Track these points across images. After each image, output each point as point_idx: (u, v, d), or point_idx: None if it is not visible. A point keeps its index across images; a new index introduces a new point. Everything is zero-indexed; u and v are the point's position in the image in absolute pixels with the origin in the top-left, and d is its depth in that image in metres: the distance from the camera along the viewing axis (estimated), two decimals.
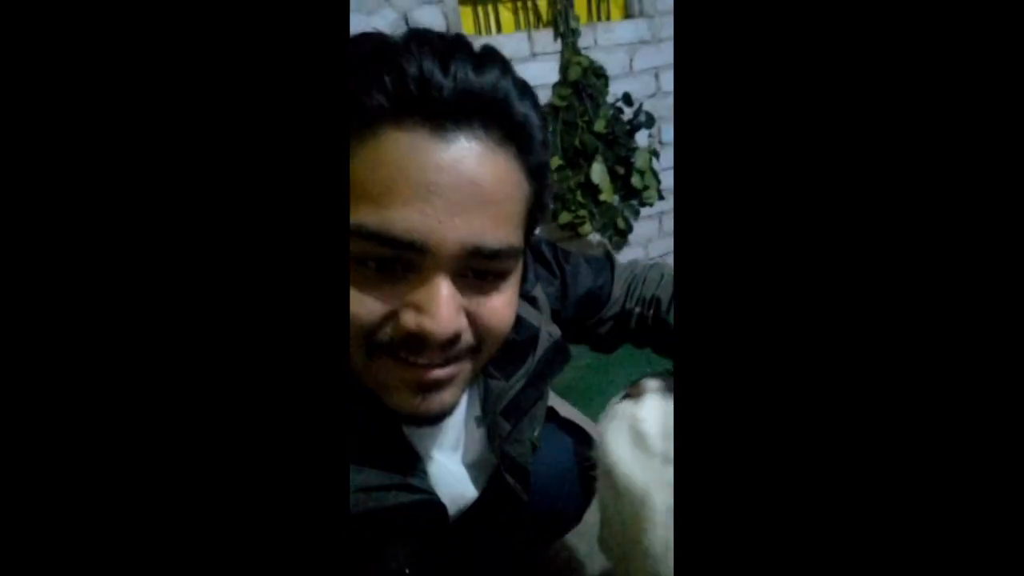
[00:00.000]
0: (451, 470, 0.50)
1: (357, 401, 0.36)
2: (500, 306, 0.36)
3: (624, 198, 1.63)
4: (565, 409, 1.28)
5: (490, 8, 1.52)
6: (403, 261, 0.31)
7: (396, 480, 0.39)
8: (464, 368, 0.37)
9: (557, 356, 0.49)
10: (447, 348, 0.34)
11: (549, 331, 0.49)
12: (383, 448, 0.38)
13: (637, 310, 0.60)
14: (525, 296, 0.48)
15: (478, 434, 0.50)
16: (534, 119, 0.34)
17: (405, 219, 0.30)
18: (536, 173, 0.36)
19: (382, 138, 0.30)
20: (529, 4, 1.56)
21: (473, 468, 0.52)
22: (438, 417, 0.37)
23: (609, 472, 0.38)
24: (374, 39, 0.32)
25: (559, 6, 1.55)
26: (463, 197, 0.31)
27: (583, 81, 1.54)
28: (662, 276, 0.62)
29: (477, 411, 0.50)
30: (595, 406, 1.27)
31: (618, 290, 0.60)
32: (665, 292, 0.60)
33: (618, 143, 1.56)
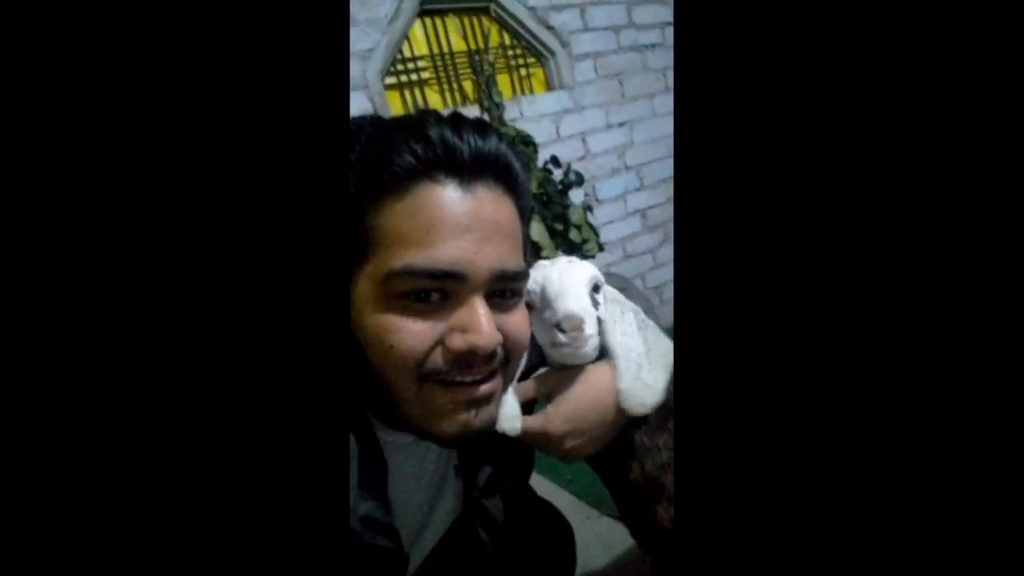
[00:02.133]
0: (421, 519, 0.49)
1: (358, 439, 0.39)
2: (520, 321, 0.42)
3: (567, 252, 1.66)
4: (533, 478, 1.23)
5: (416, 91, 1.61)
6: (443, 291, 0.37)
7: (385, 518, 0.40)
8: (499, 383, 0.41)
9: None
10: (491, 361, 0.39)
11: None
12: (366, 490, 0.40)
13: None
14: None
15: (455, 486, 0.51)
16: (523, 173, 0.42)
17: (447, 253, 0.36)
18: (524, 215, 0.44)
19: (417, 192, 0.36)
20: (455, 84, 1.67)
21: (441, 518, 0.51)
22: (485, 432, 0.41)
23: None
24: (389, 119, 0.40)
25: (482, 84, 1.66)
26: (488, 232, 0.37)
27: None
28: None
29: (456, 459, 0.51)
30: (561, 469, 1.23)
31: None
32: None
33: (552, 202, 1.62)
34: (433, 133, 0.36)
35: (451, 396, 0.38)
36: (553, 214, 1.62)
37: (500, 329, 0.39)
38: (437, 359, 0.37)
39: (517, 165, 0.41)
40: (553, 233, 1.62)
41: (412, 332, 0.36)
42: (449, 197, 0.37)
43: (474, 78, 1.67)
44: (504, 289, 0.40)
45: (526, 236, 0.44)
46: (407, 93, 1.59)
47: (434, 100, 1.64)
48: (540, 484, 1.18)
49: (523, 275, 0.41)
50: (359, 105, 1.46)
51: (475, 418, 0.39)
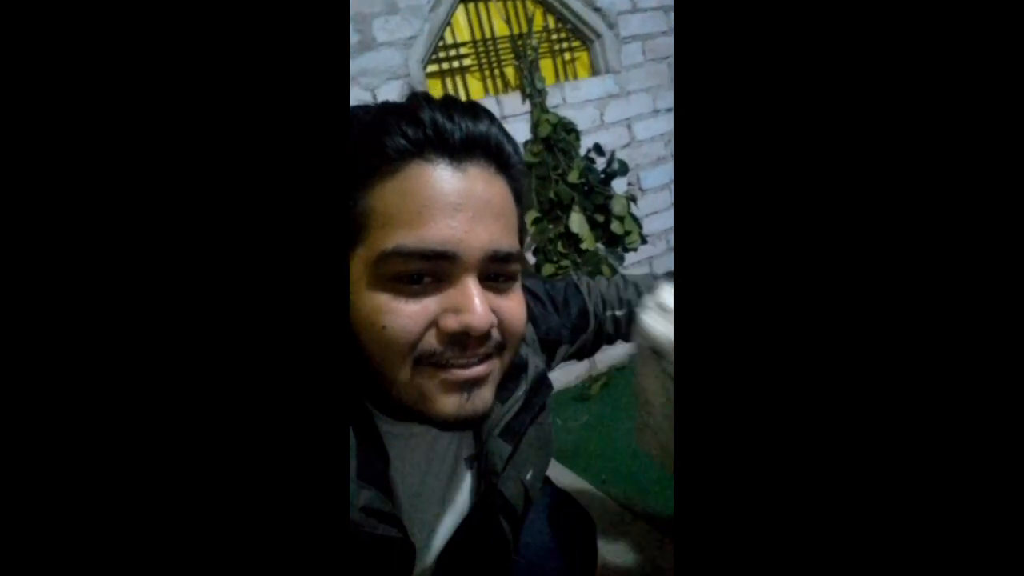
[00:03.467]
0: (434, 512, 0.50)
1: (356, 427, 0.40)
2: (516, 304, 0.42)
3: (607, 245, 1.62)
4: (566, 478, 1.22)
5: (457, 78, 1.59)
6: (436, 272, 0.37)
7: (388, 507, 0.41)
8: (495, 366, 0.41)
9: (542, 385, 0.54)
10: (484, 342, 0.39)
11: (535, 361, 0.53)
12: (366, 480, 0.41)
13: (609, 313, 0.65)
14: None
15: (466, 477, 0.51)
16: (516, 156, 0.42)
17: (438, 233, 0.36)
18: (519, 197, 0.44)
19: (408, 171, 0.36)
20: (496, 71, 1.64)
21: (457, 508, 0.52)
22: (480, 418, 0.41)
23: (652, 353, 0.47)
24: (379, 104, 0.41)
25: (525, 70, 1.62)
26: (480, 212, 0.37)
27: (553, 137, 1.58)
28: (621, 284, 0.66)
29: (467, 451, 0.51)
30: (595, 469, 1.21)
31: (592, 303, 0.65)
32: (631, 293, 0.65)
33: (594, 192, 1.58)
34: (424, 116, 0.37)
35: (443, 378, 0.38)
36: (594, 205, 1.58)
37: (496, 312, 0.39)
38: (431, 340, 0.37)
39: (509, 147, 0.41)
40: (594, 224, 1.58)
41: (405, 313, 0.36)
42: (440, 176, 0.37)
43: (516, 64, 1.64)
44: (498, 272, 0.39)
45: (522, 219, 0.44)
46: (448, 80, 1.57)
47: (475, 87, 1.62)
48: (574, 483, 1.17)
49: (516, 256, 0.40)
50: (400, 94, 1.45)
51: (467, 401, 0.39)
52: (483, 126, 0.39)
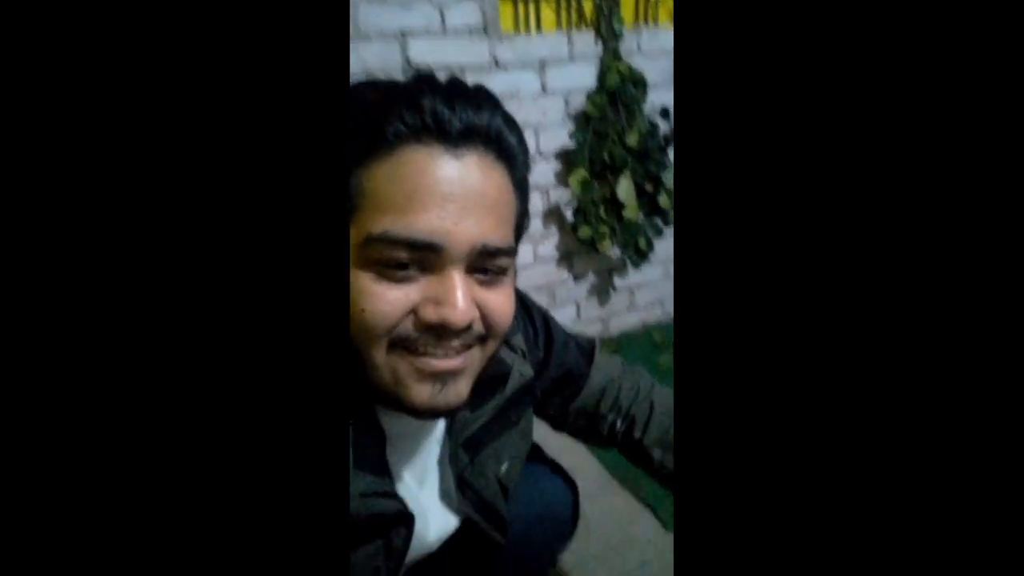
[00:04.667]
0: (423, 503, 0.50)
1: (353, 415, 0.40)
2: (503, 299, 0.40)
3: (648, 215, 1.57)
4: (560, 439, 1.25)
5: (531, 6, 1.45)
6: (421, 261, 0.36)
7: (385, 487, 0.42)
8: (474, 358, 0.40)
9: (525, 395, 0.52)
10: (461, 335, 0.38)
11: (521, 371, 0.52)
12: (363, 466, 0.42)
13: (611, 418, 0.62)
14: (505, 339, 0.50)
15: (448, 469, 0.52)
16: (519, 145, 0.40)
17: (427, 223, 0.35)
18: (520, 187, 0.41)
19: (402, 155, 0.35)
20: (572, 3, 1.49)
21: (444, 504, 0.53)
22: (454, 409, 0.41)
23: None
24: (384, 82, 0.39)
25: (604, 8, 1.47)
26: (472, 203, 0.36)
27: (620, 89, 1.48)
28: (638, 390, 0.63)
29: (446, 444, 0.51)
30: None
31: (593, 386, 0.62)
32: (640, 410, 0.61)
33: (650, 158, 1.50)
34: (425, 102, 0.36)
35: (417, 365, 0.38)
36: (646, 172, 1.51)
37: (480, 305, 0.38)
38: (407, 326, 0.37)
39: (512, 137, 0.39)
40: (641, 193, 1.52)
41: (385, 298, 0.36)
42: (434, 163, 0.36)
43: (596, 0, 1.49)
44: (487, 265, 0.38)
45: (520, 212, 0.42)
46: (520, 7, 1.44)
47: (548, 18, 1.48)
48: (568, 445, 1.21)
49: (508, 252, 0.39)
50: (469, 15, 1.33)
51: (440, 392, 0.39)
52: (485, 116, 0.37)
